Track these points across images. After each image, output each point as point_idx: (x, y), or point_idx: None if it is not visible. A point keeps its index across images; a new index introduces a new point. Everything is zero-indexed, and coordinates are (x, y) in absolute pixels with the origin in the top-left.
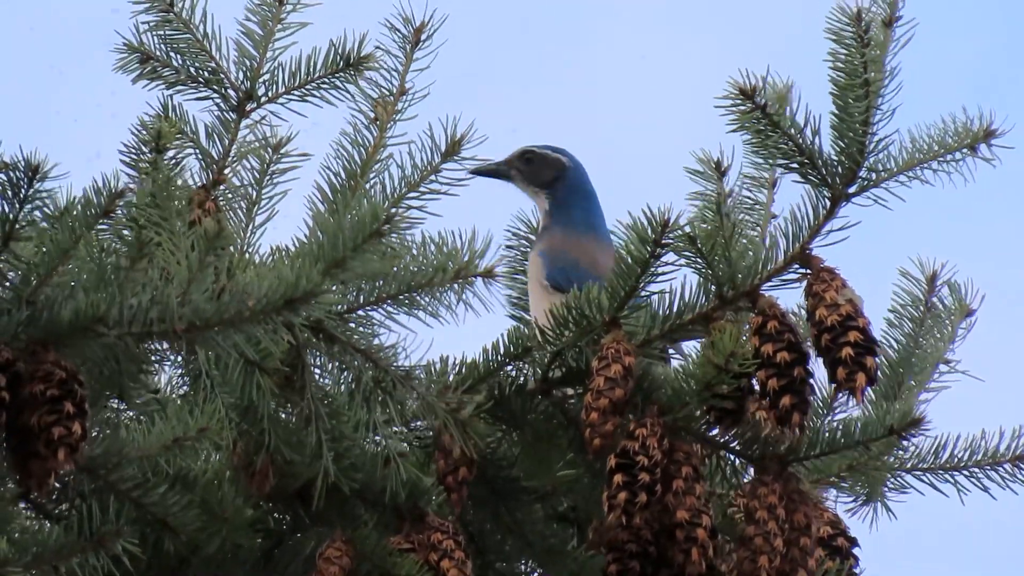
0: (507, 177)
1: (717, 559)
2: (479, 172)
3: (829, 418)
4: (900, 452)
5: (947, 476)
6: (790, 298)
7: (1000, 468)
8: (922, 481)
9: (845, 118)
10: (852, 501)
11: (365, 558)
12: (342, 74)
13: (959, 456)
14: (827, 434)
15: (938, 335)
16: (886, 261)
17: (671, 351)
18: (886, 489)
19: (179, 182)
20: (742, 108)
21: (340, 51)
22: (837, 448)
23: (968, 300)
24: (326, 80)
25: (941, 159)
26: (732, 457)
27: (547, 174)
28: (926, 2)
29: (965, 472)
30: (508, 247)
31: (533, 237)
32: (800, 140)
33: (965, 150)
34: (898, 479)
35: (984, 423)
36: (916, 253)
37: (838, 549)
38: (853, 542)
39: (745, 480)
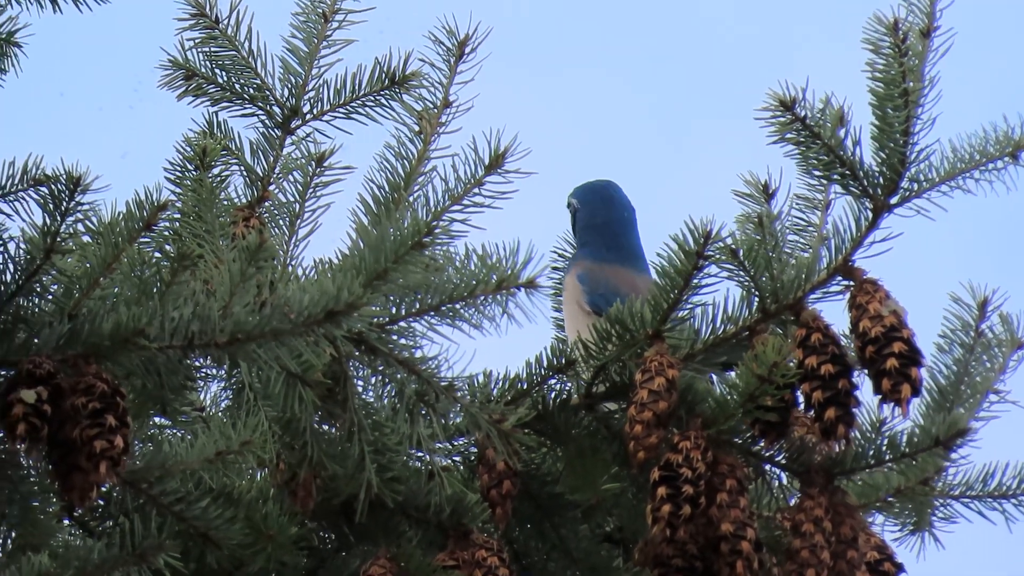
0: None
1: (761, 573)
2: None
3: (879, 440)
4: (948, 478)
5: (995, 504)
6: (833, 311)
7: None
8: (970, 508)
9: (885, 128)
10: (899, 530)
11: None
12: (387, 92)
13: (1008, 484)
14: (872, 448)
15: (988, 364)
16: (930, 273)
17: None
18: (934, 518)
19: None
20: (781, 119)
21: (385, 69)
22: (883, 460)
23: (1020, 333)
24: (371, 98)
25: (983, 168)
26: (778, 472)
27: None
28: (964, 11)
29: (1013, 500)
30: (555, 268)
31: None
32: (840, 151)
33: (1007, 158)
34: (947, 507)
35: None
36: (967, 277)
37: (884, 574)
38: (900, 567)
39: (792, 502)
